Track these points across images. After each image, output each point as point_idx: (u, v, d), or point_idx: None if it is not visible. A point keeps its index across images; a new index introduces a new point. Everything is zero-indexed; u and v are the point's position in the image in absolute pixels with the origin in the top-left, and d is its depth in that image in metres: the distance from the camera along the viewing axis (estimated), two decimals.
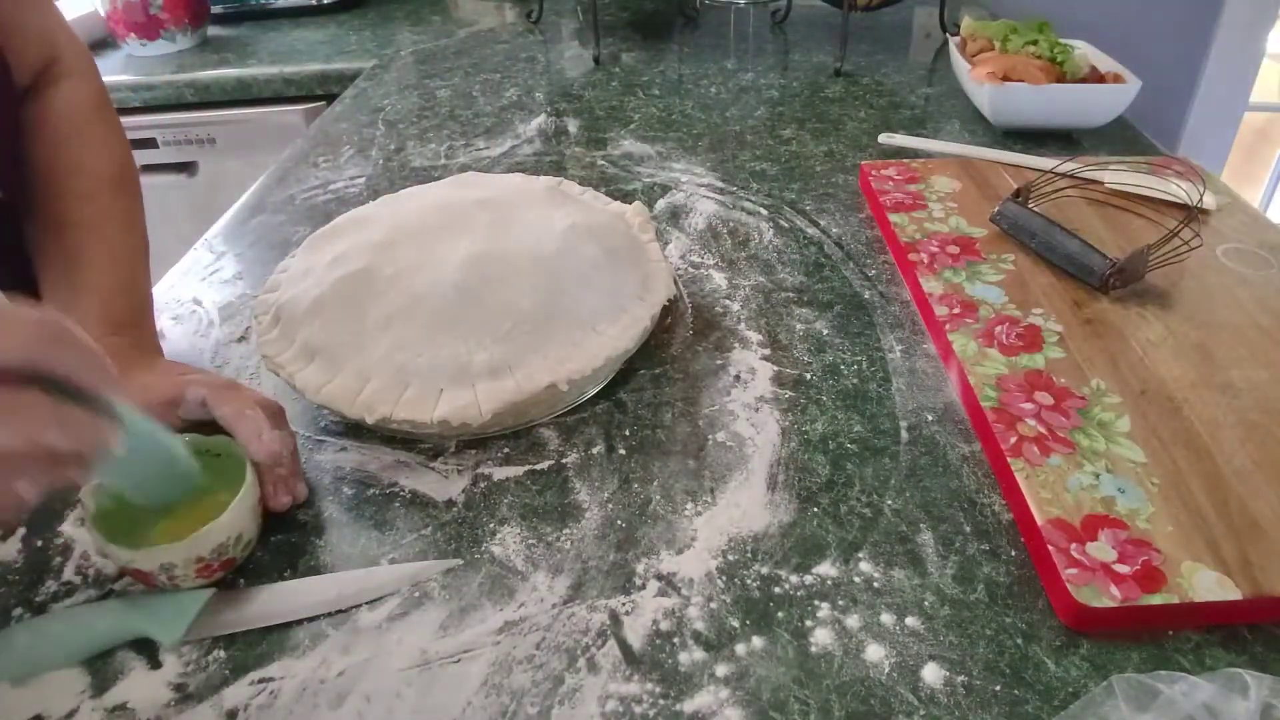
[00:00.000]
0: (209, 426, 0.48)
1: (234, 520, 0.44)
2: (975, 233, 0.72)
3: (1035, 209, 0.70)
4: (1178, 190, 0.74)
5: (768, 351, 0.62)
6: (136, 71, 1.32)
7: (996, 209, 0.71)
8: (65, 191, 0.60)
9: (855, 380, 0.59)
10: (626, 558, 0.47)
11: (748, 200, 0.84)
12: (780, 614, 0.43)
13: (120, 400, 0.35)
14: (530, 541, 0.48)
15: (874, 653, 0.41)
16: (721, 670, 0.41)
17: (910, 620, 0.43)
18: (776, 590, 0.44)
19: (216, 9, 1.52)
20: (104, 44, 1.46)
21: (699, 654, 0.41)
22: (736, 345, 0.63)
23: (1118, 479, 0.47)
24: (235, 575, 0.46)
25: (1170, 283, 0.64)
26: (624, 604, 0.44)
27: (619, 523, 0.49)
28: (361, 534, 0.49)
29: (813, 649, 0.41)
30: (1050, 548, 0.43)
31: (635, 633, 0.43)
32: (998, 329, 0.60)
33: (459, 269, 0.56)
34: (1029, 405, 0.53)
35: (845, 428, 0.55)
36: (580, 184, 0.73)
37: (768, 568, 0.46)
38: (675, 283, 0.69)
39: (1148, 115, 0.99)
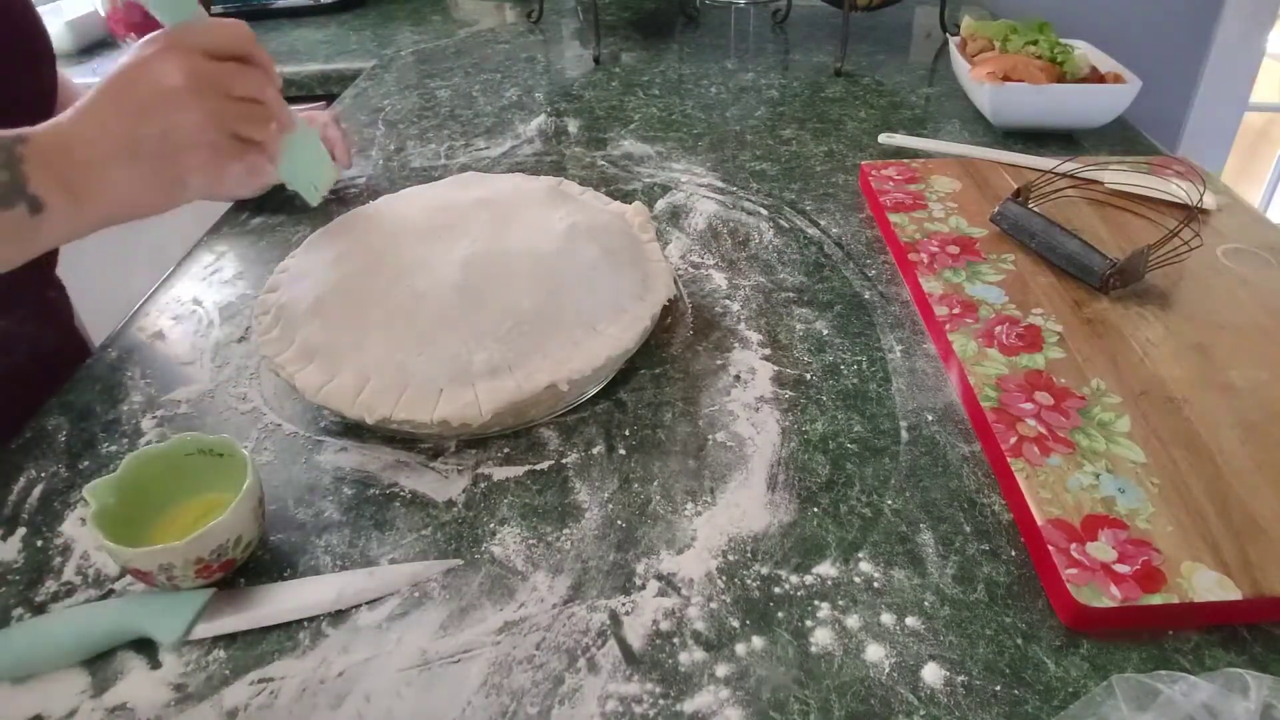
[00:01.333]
0: (210, 426, 0.48)
1: (234, 522, 0.44)
2: (975, 233, 0.72)
3: (1035, 209, 0.70)
4: (1178, 190, 0.74)
5: (768, 351, 0.62)
6: None
7: (996, 209, 0.71)
8: None
9: (855, 380, 0.59)
10: (626, 558, 0.47)
11: (748, 200, 0.84)
12: (780, 614, 0.43)
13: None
14: (530, 541, 0.48)
15: (874, 653, 0.41)
16: (721, 670, 0.41)
17: (910, 620, 0.43)
18: (776, 590, 0.44)
19: (216, 9, 1.51)
20: (104, 44, 1.45)
21: (699, 654, 0.41)
22: (736, 345, 0.63)
23: (1118, 479, 0.47)
24: (235, 575, 0.46)
25: (1170, 283, 0.64)
26: (624, 604, 0.44)
27: (619, 523, 0.49)
28: (361, 534, 0.49)
29: (813, 649, 0.41)
30: (1050, 548, 0.43)
31: (635, 633, 0.43)
32: (998, 329, 0.60)
33: (459, 269, 0.56)
34: (1029, 405, 0.53)
35: (845, 428, 0.55)
36: (580, 184, 0.73)
37: (768, 568, 0.46)
38: (675, 282, 0.69)
39: (1148, 115, 0.99)
